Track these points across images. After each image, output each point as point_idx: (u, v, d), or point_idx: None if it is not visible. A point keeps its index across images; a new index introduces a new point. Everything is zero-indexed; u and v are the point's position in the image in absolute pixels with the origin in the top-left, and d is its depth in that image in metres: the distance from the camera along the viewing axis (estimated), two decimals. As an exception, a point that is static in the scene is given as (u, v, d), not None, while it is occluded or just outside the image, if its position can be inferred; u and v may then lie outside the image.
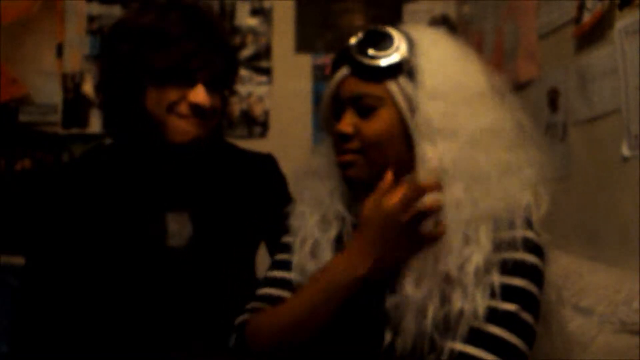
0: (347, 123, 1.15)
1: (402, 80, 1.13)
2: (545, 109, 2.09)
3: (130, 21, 1.34)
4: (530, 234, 1.10)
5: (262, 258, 1.45)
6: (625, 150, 1.68)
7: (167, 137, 1.31)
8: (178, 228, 1.36)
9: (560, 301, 1.23)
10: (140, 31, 1.30)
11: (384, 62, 1.13)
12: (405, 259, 1.10)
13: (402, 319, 1.09)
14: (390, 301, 1.10)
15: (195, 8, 1.35)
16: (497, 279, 1.07)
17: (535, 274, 1.09)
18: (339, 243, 1.20)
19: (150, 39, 1.29)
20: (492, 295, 1.06)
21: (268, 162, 1.52)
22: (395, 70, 1.13)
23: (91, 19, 2.86)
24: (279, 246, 1.27)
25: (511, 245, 1.08)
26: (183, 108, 1.30)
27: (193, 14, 1.33)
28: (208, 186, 1.41)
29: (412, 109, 1.12)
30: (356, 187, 1.19)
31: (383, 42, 1.14)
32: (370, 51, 1.14)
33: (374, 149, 1.14)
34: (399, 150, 1.14)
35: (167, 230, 1.35)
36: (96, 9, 2.86)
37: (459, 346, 1.05)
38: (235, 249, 1.41)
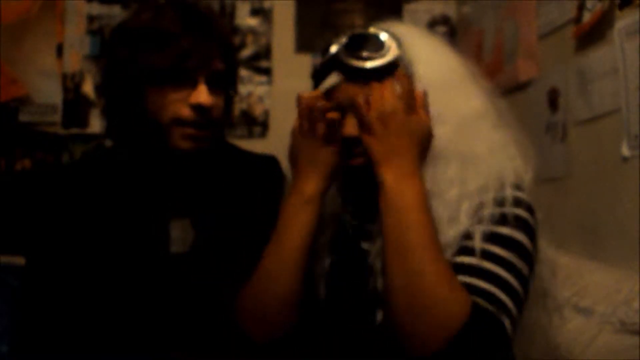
0: (352, 126, 1.14)
1: (400, 73, 1.15)
2: (545, 109, 2.09)
3: (129, 23, 1.33)
4: (520, 194, 1.12)
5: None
6: (625, 150, 1.68)
7: (170, 142, 1.29)
8: (180, 234, 1.35)
9: (554, 279, 1.23)
10: (138, 32, 1.29)
11: (381, 61, 1.14)
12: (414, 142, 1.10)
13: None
14: (381, 281, 1.11)
15: (193, 6, 1.33)
16: (484, 227, 1.08)
17: (527, 228, 1.10)
18: (334, 245, 1.20)
19: (148, 39, 1.27)
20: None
21: (270, 164, 1.52)
22: (393, 66, 1.14)
23: (91, 19, 2.86)
24: None
25: (500, 203, 1.10)
26: (185, 111, 1.27)
27: (190, 12, 1.31)
28: (210, 191, 1.40)
29: None
30: (360, 177, 1.18)
31: (371, 42, 1.15)
32: (364, 53, 1.14)
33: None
34: None
35: (169, 236, 1.34)
36: (96, 9, 2.86)
37: (462, 278, 1.05)
38: (238, 253, 1.41)
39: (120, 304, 1.30)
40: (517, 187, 1.14)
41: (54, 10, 2.84)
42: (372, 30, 1.17)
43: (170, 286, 1.32)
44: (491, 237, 1.07)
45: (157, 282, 1.31)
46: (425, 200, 1.06)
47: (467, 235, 1.08)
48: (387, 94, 1.11)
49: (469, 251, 1.07)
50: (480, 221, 1.09)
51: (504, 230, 1.08)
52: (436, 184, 1.11)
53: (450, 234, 1.09)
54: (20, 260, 1.38)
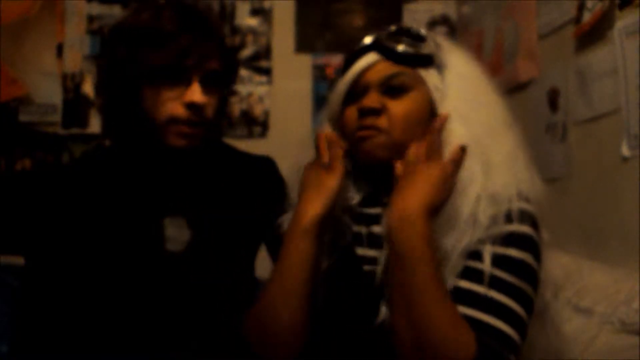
0: (374, 100, 1.19)
1: (432, 71, 1.21)
2: (545, 109, 2.09)
3: (127, 22, 1.33)
4: (526, 207, 1.14)
5: (262, 259, 1.45)
6: (625, 150, 1.68)
7: (165, 140, 1.30)
8: (176, 233, 1.35)
9: (556, 299, 1.24)
10: (136, 31, 1.29)
11: (419, 50, 1.21)
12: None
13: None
14: (384, 284, 1.12)
15: (191, 6, 1.34)
16: (490, 248, 1.09)
17: (533, 246, 1.12)
18: (334, 246, 1.21)
19: (146, 37, 1.28)
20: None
21: (267, 165, 1.52)
22: (428, 60, 1.21)
23: (91, 19, 2.86)
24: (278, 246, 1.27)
25: (509, 218, 1.12)
26: (179, 109, 1.28)
27: (188, 12, 1.32)
28: (206, 190, 1.40)
29: (437, 99, 1.20)
30: (369, 165, 1.21)
31: (415, 35, 1.22)
32: (406, 40, 1.21)
33: (400, 128, 1.18)
34: (417, 136, 1.18)
35: (164, 235, 1.34)
36: (96, 9, 2.86)
37: (468, 311, 1.06)
38: (234, 252, 1.41)
39: (118, 303, 1.31)
40: (526, 199, 1.15)
41: (54, 10, 2.85)
42: (415, 27, 1.24)
43: (166, 284, 1.32)
44: (499, 261, 1.09)
45: (153, 281, 1.32)
46: (432, 245, 1.07)
47: (475, 254, 1.10)
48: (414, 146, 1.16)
49: (476, 276, 1.08)
50: (488, 239, 1.10)
51: (512, 252, 1.10)
52: (460, 180, 1.14)
53: (464, 229, 1.11)
54: (20, 260, 1.38)
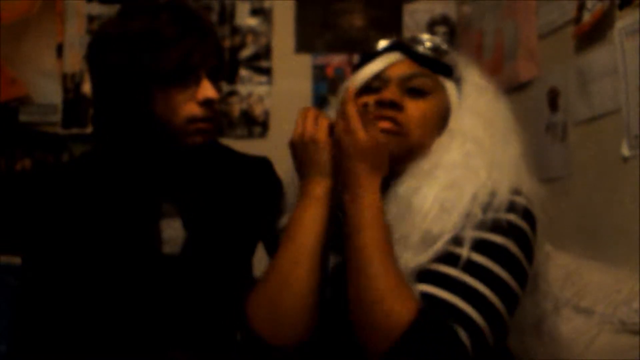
0: (395, 93, 1.20)
1: (450, 82, 1.24)
2: (545, 109, 2.09)
3: (118, 30, 1.32)
4: (517, 199, 1.13)
5: (260, 258, 1.45)
6: (625, 150, 1.68)
7: (183, 140, 1.30)
8: (172, 234, 1.35)
9: (556, 311, 1.25)
10: (135, 37, 1.28)
11: (442, 57, 1.24)
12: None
13: None
14: None
15: (181, 5, 1.35)
16: (472, 234, 1.09)
17: (519, 235, 1.11)
18: (335, 240, 1.21)
19: (148, 43, 1.27)
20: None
21: (263, 166, 1.52)
22: (449, 70, 1.24)
23: (91, 19, 2.86)
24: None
25: (496, 208, 1.11)
26: (195, 108, 1.30)
27: (183, 11, 1.32)
28: (203, 191, 1.40)
29: (450, 110, 1.22)
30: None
31: (439, 44, 1.25)
32: (430, 45, 1.24)
33: (415, 128, 1.19)
34: (429, 140, 1.19)
35: (161, 237, 1.34)
36: (96, 9, 2.86)
37: (425, 287, 1.06)
38: (231, 253, 1.41)
39: (116, 303, 1.31)
40: (516, 191, 1.14)
41: (54, 10, 2.84)
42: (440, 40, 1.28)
43: (163, 286, 1.32)
44: (479, 245, 1.08)
45: (150, 282, 1.32)
46: (380, 218, 1.10)
47: (456, 240, 1.09)
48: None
49: (453, 260, 1.07)
50: (471, 225, 1.09)
51: (494, 238, 1.09)
52: (459, 176, 1.14)
53: (444, 218, 1.10)
54: (19, 260, 1.38)
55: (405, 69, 1.22)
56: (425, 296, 1.05)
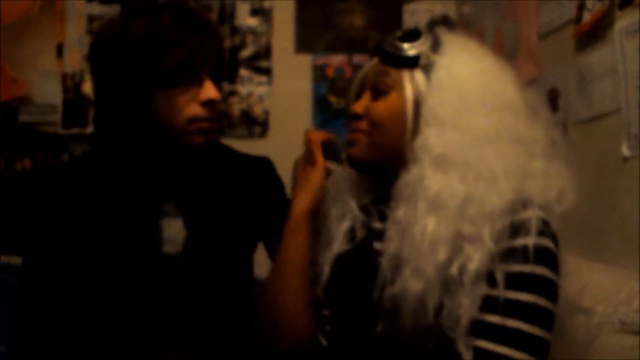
0: (360, 104, 1.24)
1: (417, 72, 1.20)
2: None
3: (120, 30, 1.31)
4: (544, 216, 1.13)
5: (260, 258, 1.45)
6: (625, 150, 1.68)
7: (185, 140, 1.31)
8: (173, 234, 1.35)
9: (572, 316, 1.25)
10: (137, 38, 1.28)
11: (404, 52, 1.21)
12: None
13: (399, 311, 1.11)
14: (388, 291, 1.13)
15: (181, 5, 1.35)
16: (501, 293, 1.09)
17: (552, 261, 1.12)
18: (352, 234, 1.25)
19: (149, 44, 1.27)
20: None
21: (264, 166, 1.52)
22: (412, 61, 1.21)
23: (91, 19, 2.86)
24: None
25: (526, 231, 1.11)
26: (197, 109, 1.30)
27: (183, 11, 1.33)
28: (203, 190, 1.40)
29: (420, 101, 1.18)
30: (358, 169, 1.26)
31: (411, 37, 1.23)
32: (398, 43, 1.23)
33: (377, 130, 1.21)
34: (401, 138, 1.18)
35: (161, 237, 1.34)
36: (96, 9, 2.86)
37: (483, 344, 1.08)
38: (231, 253, 1.41)
39: (116, 304, 1.31)
40: (542, 208, 1.14)
41: (54, 10, 2.85)
42: (421, 29, 1.26)
43: (164, 286, 1.33)
44: (515, 282, 1.09)
45: (151, 282, 1.32)
46: (304, 248, 1.24)
47: (490, 278, 1.09)
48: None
49: (493, 306, 1.09)
50: (498, 257, 1.09)
51: (525, 269, 1.10)
52: (438, 190, 1.12)
53: (475, 255, 1.09)
54: (20, 260, 1.38)
55: (374, 71, 1.25)
56: (483, 352, 1.08)
